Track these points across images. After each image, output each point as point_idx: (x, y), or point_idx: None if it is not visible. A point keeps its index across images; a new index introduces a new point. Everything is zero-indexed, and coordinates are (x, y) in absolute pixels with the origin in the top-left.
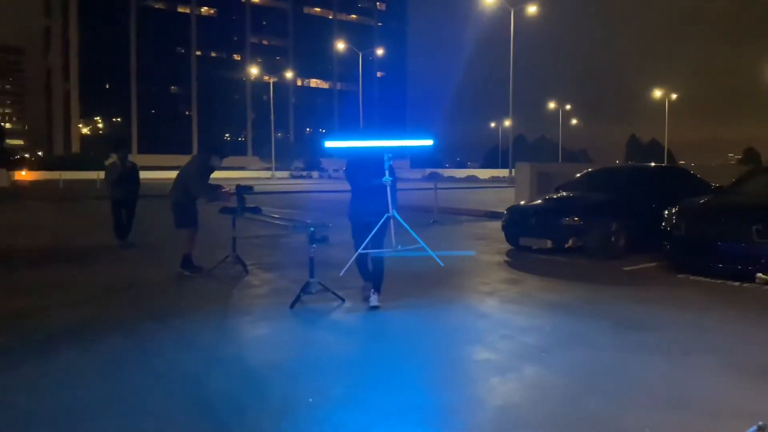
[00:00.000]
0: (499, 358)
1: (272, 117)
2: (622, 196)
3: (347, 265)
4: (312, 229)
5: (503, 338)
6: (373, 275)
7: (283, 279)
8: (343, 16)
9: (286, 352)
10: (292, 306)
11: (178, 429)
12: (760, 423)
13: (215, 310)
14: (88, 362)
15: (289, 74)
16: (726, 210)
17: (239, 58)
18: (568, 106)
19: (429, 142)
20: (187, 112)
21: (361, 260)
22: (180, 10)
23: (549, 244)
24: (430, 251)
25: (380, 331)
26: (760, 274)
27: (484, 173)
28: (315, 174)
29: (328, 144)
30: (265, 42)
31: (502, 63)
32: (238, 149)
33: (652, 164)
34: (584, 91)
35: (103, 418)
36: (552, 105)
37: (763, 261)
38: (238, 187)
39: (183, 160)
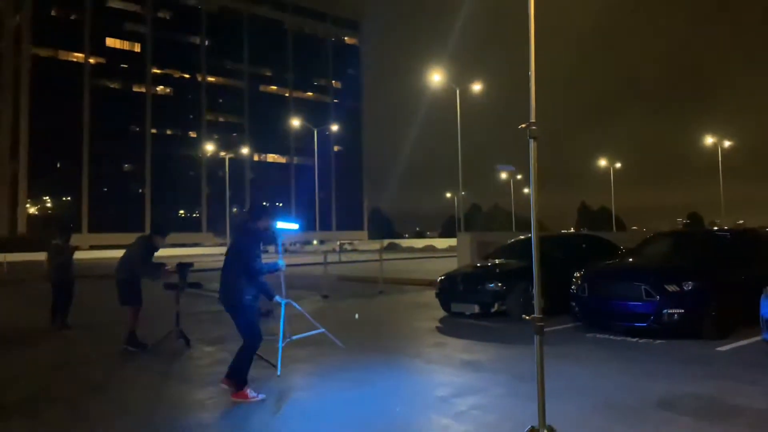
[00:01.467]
0: (411, 410)
1: (227, 192)
2: (542, 262)
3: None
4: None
5: (417, 392)
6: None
7: (224, 351)
8: (299, 94)
9: (219, 414)
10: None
11: None
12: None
13: (156, 381)
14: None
15: (245, 150)
16: (622, 272)
17: (195, 135)
18: (519, 176)
19: (295, 226)
20: (140, 190)
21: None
22: (135, 89)
23: (476, 308)
24: (329, 334)
25: (298, 388)
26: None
27: (442, 242)
28: (271, 248)
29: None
30: (221, 119)
31: (454, 135)
32: (192, 226)
33: (570, 231)
34: (539, 160)
35: None
36: (504, 174)
37: (651, 318)
38: (179, 264)
39: (134, 238)
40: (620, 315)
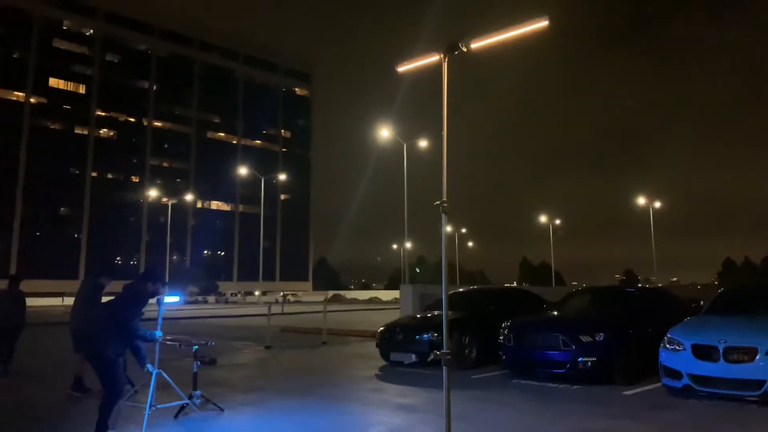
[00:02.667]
0: None
1: (168, 239)
2: (475, 314)
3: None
4: (196, 347)
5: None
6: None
7: (171, 396)
8: (248, 141)
9: None
10: (176, 416)
11: None
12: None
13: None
14: None
15: (189, 196)
16: (543, 324)
17: (137, 180)
18: (464, 229)
19: (176, 299)
20: (76, 235)
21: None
22: (77, 131)
23: (413, 357)
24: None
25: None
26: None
27: (386, 294)
28: (211, 299)
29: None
30: (165, 164)
31: (400, 189)
32: (130, 274)
33: (505, 286)
34: (482, 215)
35: None
36: (449, 228)
37: (567, 366)
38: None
39: (67, 285)
40: (542, 363)
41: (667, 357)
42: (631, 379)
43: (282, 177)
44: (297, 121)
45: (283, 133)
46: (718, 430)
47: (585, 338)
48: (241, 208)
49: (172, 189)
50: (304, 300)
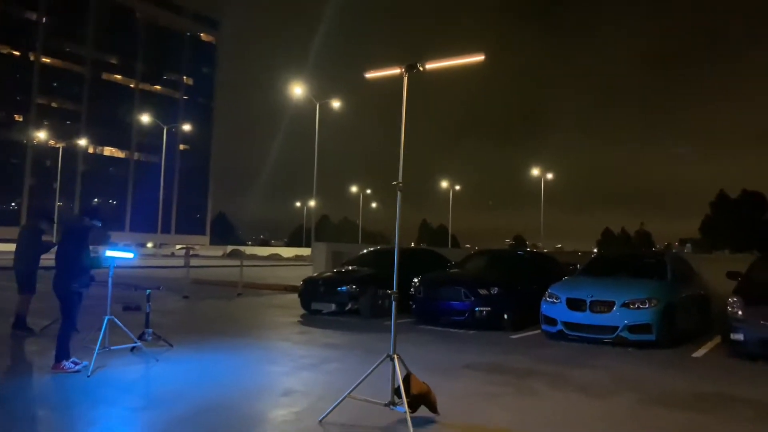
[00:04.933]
0: (285, 369)
1: (58, 184)
2: (387, 270)
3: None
4: (149, 291)
5: (290, 360)
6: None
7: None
8: (147, 86)
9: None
10: (131, 350)
11: None
12: None
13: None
14: None
15: (80, 141)
16: (448, 279)
17: (21, 119)
18: (368, 190)
19: (129, 255)
20: None
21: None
22: None
23: (333, 307)
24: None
25: (191, 362)
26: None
27: (288, 251)
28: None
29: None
30: (54, 104)
31: (308, 146)
32: (9, 219)
33: (413, 246)
34: (385, 177)
35: None
36: (354, 189)
37: (467, 314)
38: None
39: None
40: (446, 311)
41: (546, 308)
42: (516, 327)
43: (183, 126)
44: (201, 69)
45: (185, 80)
46: (581, 359)
47: (482, 291)
48: (136, 156)
49: (61, 131)
50: (202, 254)
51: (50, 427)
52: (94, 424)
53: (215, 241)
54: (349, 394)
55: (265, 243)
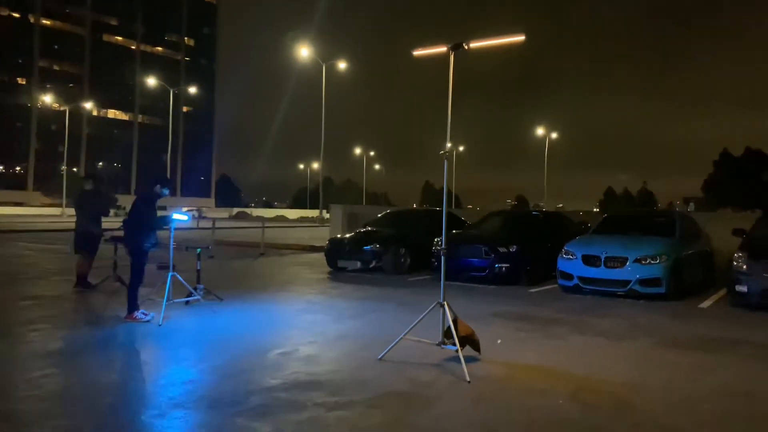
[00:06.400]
0: (331, 318)
1: (65, 148)
2: (408, 230)
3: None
4: (199, 250)
5: (334, 310)
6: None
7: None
8: (148, 48)
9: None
10: (187, 302)
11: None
12: None
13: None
14: None
15: (83, 103)
16: (469, 238)
17: (24, 83)
18: (372, 152)
19: (185, 218)
20: None
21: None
22: None
23: (359, 264)
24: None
25: (244, 312)
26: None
27: (292, 213)
28: (111, 212)
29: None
30: (56, 67)
31: (312, 108)
32: (16, 183)
33: (429, 208)
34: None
35: None
36: (358, 151)
37: (487, 270)
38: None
39: None
40: (467, 268)
41: (563, 264)
42: (534, 282)
43: (186, 87)
44: (202, 29)
45: (186, 41)
46: (598, 310)
47: (502, 249)
48: (140, 118)
49: (64, 94)
50: (208, 216)
51: (152, 365)
52: (186, 359)
53: (220, 203)
54: (405, 335)
55: (268, 205)
